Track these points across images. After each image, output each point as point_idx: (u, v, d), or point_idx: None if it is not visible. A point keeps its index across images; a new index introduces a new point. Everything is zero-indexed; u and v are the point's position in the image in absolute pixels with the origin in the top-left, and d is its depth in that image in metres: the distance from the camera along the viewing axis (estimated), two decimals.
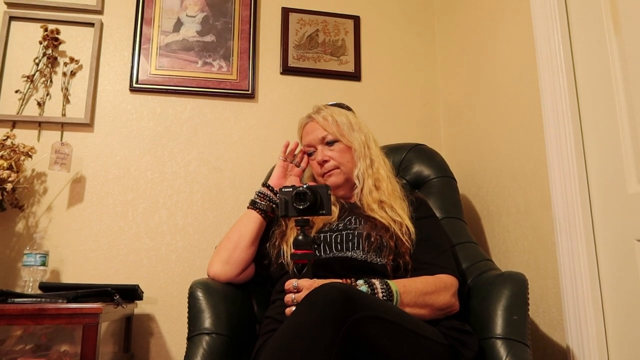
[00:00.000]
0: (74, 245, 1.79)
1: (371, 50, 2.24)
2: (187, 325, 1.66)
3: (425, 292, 1.19)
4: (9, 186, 1.56)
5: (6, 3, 1.95)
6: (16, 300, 1.31)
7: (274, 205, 1.46)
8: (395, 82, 2.23)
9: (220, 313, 1.30)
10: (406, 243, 1.31)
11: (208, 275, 1.40)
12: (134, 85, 1.97)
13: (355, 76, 2.20)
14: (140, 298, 1.62)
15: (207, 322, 1.26)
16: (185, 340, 1.72)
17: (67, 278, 1.75)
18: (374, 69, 2.22)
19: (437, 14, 2.32)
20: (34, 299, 1.32)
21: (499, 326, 1.18)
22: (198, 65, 2.06)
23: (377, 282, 1.15)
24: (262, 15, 2.18)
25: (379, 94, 2.20)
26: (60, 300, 1.31)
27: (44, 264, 1.60)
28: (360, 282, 1.15)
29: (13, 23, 1.95)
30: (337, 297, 0.92)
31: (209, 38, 2.10)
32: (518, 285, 1.25)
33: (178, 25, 2.09)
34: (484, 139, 1.87)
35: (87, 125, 1.90)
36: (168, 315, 1.79)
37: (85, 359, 1.24)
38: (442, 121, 2.22)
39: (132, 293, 1.58)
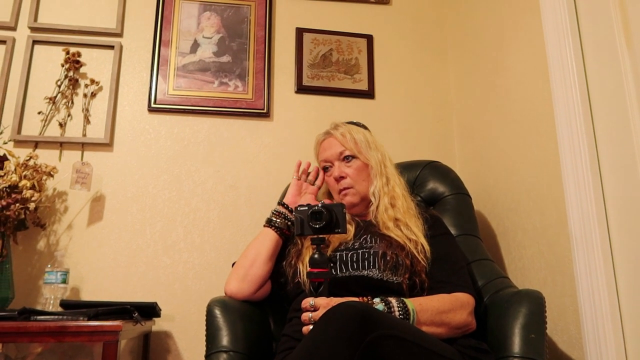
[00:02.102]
0: (93, 263, 1.82)
1: (384, 68, 2.27)
2: (204, 343, 1.68)
3: (441, 310, 1.19)
4: (32, 205, 1.60)
5: (30, 27, 2.01)
6: (38, 317, 1.34)
7: (289, 223, 1.48)
8: (409, 99, 2.25)
9: (238, 331, 1.31)
10: (422, 261, 1.31)
11: (225, 293, 1.42)
12: (152, 105, 2.02)
13: (368, 94, 2.22)
14: (158, 315, 1.64)
15: (225, 340, 1.28)
16: (201, 358, 1.74)
17: (87, 295, 1.78)
18: (388, 86, 2.24)
19: (449, 32, 2.34)
20: (56, 317, 1.34)
21: (516, 345, 1.18)
22: (214, 85, 2.10)
23: (393, 301, 1.15)
24: (276, 35, 2.22)
25: (392, 111, 2.22)
26: (81, 318, 1.34)
27: (64, 281, 1.63)
28: (376, 300, 1.15)
29: (36, 47, 2.01)
30: (354, 315, 0.93)
31: (225, 58, 2.15)
32: (535, 303, 1.24)
33: (195, 46, 2.14)
34: (498, 155, 1.87)
35: (106, 145, 1.95)
36: (185, 333, 1.81)
37: None
38: (456, 138, 2.22)
39: (150, 310, 1.60)
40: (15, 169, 1.64)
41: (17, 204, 1.57)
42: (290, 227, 1.48)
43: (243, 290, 1.40)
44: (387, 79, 2.26)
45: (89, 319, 1.34)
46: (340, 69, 2.23)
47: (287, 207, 1.51)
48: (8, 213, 1.56)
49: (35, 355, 1.76)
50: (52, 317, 1.34)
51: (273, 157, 2.06)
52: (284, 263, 1.44)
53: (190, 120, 2.04)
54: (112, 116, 1.97)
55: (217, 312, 1.32)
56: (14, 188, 1.60)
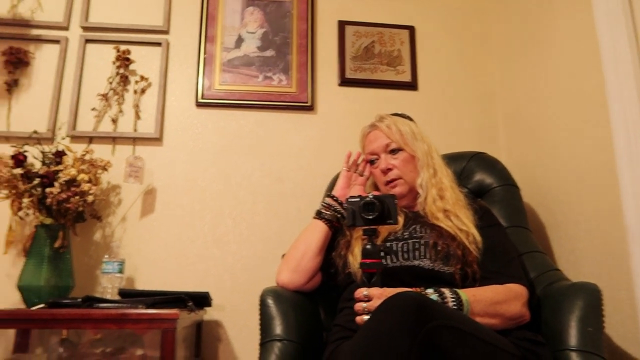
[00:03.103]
0: (146, 254, 1.88)
1: (427, 59, 2.25)
2: (253, 332, 1.72)
3: (495, 301, 1.18)
4: (90, 198, 1.67)
5: (82, 27, 2.09)
6: (101, 305, 1.40)
7: (338, 215, 1.49)
8: (452, 90, 2.23)
9: (290, 320, 1.34)
10: (473, 252, 1.31)
11: (277, 284, 1.45)
12: (199, 100, 2.06)
13: (411, 85, 2.21)
14: (210, 305, 1.69)
15: (279, 329, 1.31)
16: (251, 346, 1.79)
17: (141, 285, 1.85)
18: (430, 77, 2.22)
19: (492, 21, 2.30)
20: (117, 305, 1.40)
21: (573, 338, 1.16)
22: (259, 80, 2.13)
23: (446, 291, 1.16)
24: (318, 28, 2.23)
25: (435, 102, 2.20)
26: (140, 307, 1.39)
27: (120, 271, 1.69)
28: (429, 290, 1.16)
29: (88, 45, 2.08)
30: (411, 305, 0.94)
31: (269, 53, 2.17)
32: (592, 296, 1.22)
33: (239, 41, 2.17)
34: (547, 145, 1.83)
35: (156, 140, 2.00)
36: (235, 322, 1.85)
37: None
38: (501, 128, 2.19)
39: (202, 300, 1.65)
40: (73, 164, 1.71)
41: (76, 197, 1.64)
42: (339, 219, 1.49)
43: (294, 281, 1.43)
44: (430, 70, 2.24)
45: (147, 307, 1.39)
46: (382, 61, 2.23)
47: (336, 200, 1.52)
48: (68, 205, 1.63)
49: (92, 341, 1.84)
50: (114, 305, 1.40)
51: (317, 150, 2.08)
52: (334, 254, 1.46)
53: (236, 115, 2.08)
54: (161, 111, 2.03)
55: (270, 301, 1.35)
56: (72, 182, 1.67)
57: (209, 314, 1.83)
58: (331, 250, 1.47)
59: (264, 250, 1.94)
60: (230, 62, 2.13)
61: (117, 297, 1.61)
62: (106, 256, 1.71)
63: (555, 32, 1.79)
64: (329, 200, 1.53)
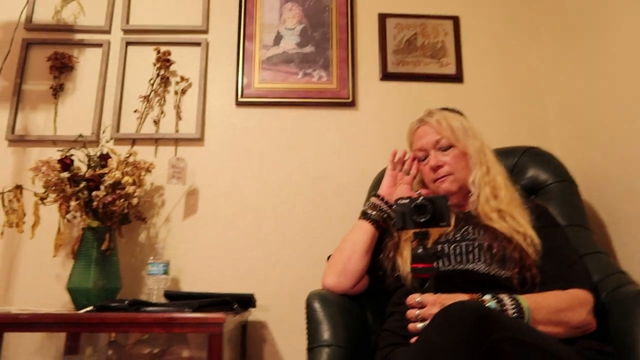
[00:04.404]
0: (190, 255, 1.88)
1: (472, 50, 2.15)
2: (297, 333, 1.70)
3: (558, 308, 1.11)
4: (134, 200, 1.67)
5: (123, 30, 2.10)
6: (148, 309, 1.40)
7: (385, 216, 1.44)
8: (499, 82, 2.13)
9: (338, 325, 1.30)
10: (532, 255, 1.23)
11: (323, 287, 1.41)
12: (239, 99, 2.05)
13: (456, 78, 2.12)
14: (254, 306, 1.67)
15: (326, 334, 1.27)
16: (296, 347, 1.77)
17: (186, 286, 1.85)
18: (476, 69, 2.13)
19: (543, 11, 2.18)
20: (163, 309, 1.40)
21: None
22: (299, 77, 2.09)
23: (505, 298, 1.09)
24: (358, 22, 2.17)
25: (482, 95, 2.11)
26: (186, 310, 1.38)
27: (166, 272, 1.69)
28: (487, 297, 1.09)
29: (129, 48, 2.09)
30: (472, 316, 0.88)
31: (308, 49, 2.13)
32: None
33: (278, 38, 2.14)
34: (605, 139, 1.72)
35: (198, 140, 2.00)
36: (280, 323, 1.83)
37: None
38: (553, 121, 2.08)
39: (247, 301, 1.63)
40: (117, 166, 1.72)
41: (122, 200, 1.65)
42: (386, 219, 1.44)
43: (341, 284, 1.39)
44: (476, 62, 2.14)
45: (194, 311, 1.38)
46: (426, 54, 2.15)
47: (382, 199, 1.47)
48: (114, 208, 1.64)
49: (139, 341, 1.85)
50: (160, 308, 1.40)
51: (359, 147, 2.03)
52: (381, 256, 1.41)
53: (276, 113, 2.05)
54: (202, 111, 2.02)
55: (317, 305, 1.32)
56: (117, 184, 1.67)
57: (253, 315, 1.81)
58: (378, 252, 1.42)
59: (306, 250, 1.91)
60: (269, 60, 2.10)
61: (162, 299, 1.61)
62: (151, 258, 1.72)
63: (618, 27, 1.67)
64: (374, 200, 1.48)
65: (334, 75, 2.10)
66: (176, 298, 1.53)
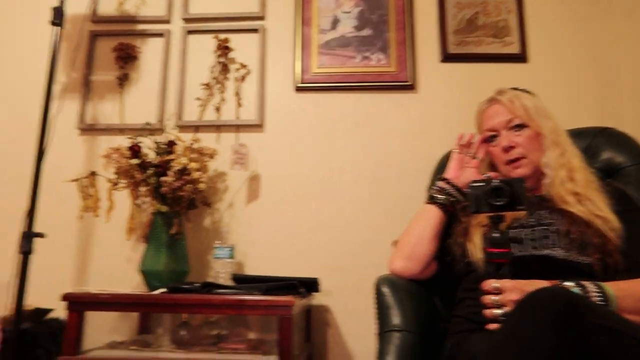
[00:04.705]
0: (253, 239, 1.92)
1: (538, 28, 2.06)
2: (361, 317, 1.72)
3: None
4: (201, 186, 1.71)
5: (183, 19, 2.14)
6: (219, 291, 1.43)
7: (453, 199, 1.41)
8: (568, 60, 2.03)
9: (407, 310, 1.29)
10: (613, 240, 1.18)
11: (390, 272, 1.40)
12: (298, 85, 2.05)
13: (520, 57, 2.04)
14: (318, 290, 1.68)
15: (397, 319, 1.26)
16: (359, 331, 1.78)
17: (250, 269, 1.89)
18: (542, 48, 2.04)
19: None
20: (234, 291, 1.43)
21: None
22: (357, 60, 2.07)
23: (589, 284, 1.05)
24: (416, 3, 2.12)
25: (548, 74, 2.02)
26: (256, 293, 1.41)
27: (231, 256, 1.73)
28: (569, 283, 1.05)
29: (190, 36, 2.13)
30: (560, 302, 0.85)
31: (366, 32, 2.10)
32: None
33: (335, 22, 2.12)
34: None
35: (258, 126, 2.02)
36: (343, 307, 1.84)
37: (282, 347, 1.32)
38: (628, 102, 1.97)
39: (311, 285, 1.65)
40: (183, 152, 1.76)
41: (189, 185, 1.69)
42: (454, 203, 1.41)
43: (409, 268, 1.37)
44: (542, 40, 2.05)
45: (263, 294, 1.41)
46: (487, 33, 2.08)
47: (449, 183, 1.44)
48: (182, 193, 1.69)
49: (201, 323, 1.90)
50: (231, 291, 1.43)
51: (420, 131, 1.99)
52: (450, 241, 1.38)
53: (335, 97, 2.04)
54: (261, 98, 2.04)
55: (386, 290, 1.31)
56: (184, 170, 1.72)
57: (317, 299, 1.83)
58: (446, 236, 1.40)
59: (369, 235, 1.90)
60: (327, 44, 2.09)
61: (229, 282, 1.65)
62: (217, 242, 1.76)
63: None
64: (441, 183, 1.45)
65: (393, 58, 2.06)
66: (244, 281, 1.56)
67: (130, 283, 1.89)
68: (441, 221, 1.40)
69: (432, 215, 1.40)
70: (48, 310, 1.66)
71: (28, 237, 1.50)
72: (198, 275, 1.86)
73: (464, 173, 1.46)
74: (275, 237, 1.92)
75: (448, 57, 2.06)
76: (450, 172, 1.47)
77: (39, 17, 2.15)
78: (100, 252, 1.93)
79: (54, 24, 1.70)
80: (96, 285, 1.90)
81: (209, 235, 1.92)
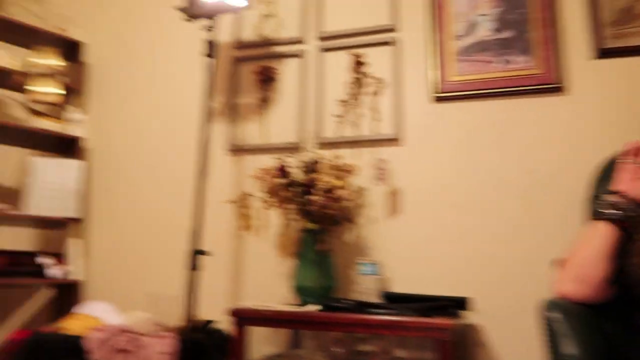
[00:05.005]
0: (396, 255, 1.91)
1: None
2: (514, 338, 1.61)
3: None
4: (347, 204, 1.75)
5: (317, 38, 2.20)
6: (374, 311, 1.44)
7: (628, 215, 1.27)
8: None
9: (583, 338, 1.19)
10: None
11: (558, 294, 1.30)
12: (435, 95, 2.00)
13: None
14: (468, 309, 1.63)
15: (572, 349, 1.17)
16: (513, 352, 1.67)
17: (394, 285, 1.88)
18: None
19: None
20: (389, 311, 1.43)
21: None
22: (497, 65, 1.97)
23: None
24: None
25: None
26: (411, 313, 1.39)
27: (376, 272, 1.74)
28: None
29: (324, 54, 2.18)
30: None
31: (505, 34, 1.99)
32: None
33: (471, 27, 2.04)
34: None
35: (395, 140, 2.01)
36: (496, 326, 1.76)
37: None
38: None
39: (462, 304, 1.60)
40: (326, 171, 1.81)
41: (335, 203, 1.73)
42: (629, 219, 1.27)
43: (581, 292, 1.26)
44: None
45: (418, 315, 1.39)
46: None
47: (623, 196, 1.30)
48: (328, 211, 1.73)
49: (351, 341, 1.93)
50: (387, 311, 1.43)
51: (572, 137, 1.84)
52: (629, 262, 1.25)
53: (475, 106, 1.96)
54: (398, 111, 2.02)
55: (558, 316, 1.22)
56: (329, 188, 1.76)
57: (467, 317, 1.77)
58: (622, 256, 1.26)
59: (521, 252, 1.79)
60: (464, 50, 2.02)
61: (377, 299, 1.66)
62: (361, 258, 1.78)
63: None
64: (613, 197, 1.31)
65: (537, 59, 1.93)
66: (394, 299, 1.56)
67: (280, 296, 1.98)
68: (616, 239, 1.27)
69: (605, 233, 1.27)
70: (213, 322, 1.79)
71: (195, 254, 1.63)
72: (343, 290, 1.89)
73: (638, 185, 1.31)
74: (418, 252, 1.89)
75: (603, 53, 1.87)
76: (621, 185, 1.33)
77: (188, 49, 2.35)
78: (252, 267, 2.05)
79: (207, 55, 1.84)
80: (249, 298, 2.02)
81: (351, 251, 1.95)
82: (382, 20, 2.14)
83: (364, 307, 1.46)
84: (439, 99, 2.00)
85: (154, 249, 2.24)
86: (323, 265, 1.76)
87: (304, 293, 1.74)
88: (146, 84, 2.44)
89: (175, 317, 1.82)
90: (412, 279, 1.87)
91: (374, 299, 1.69)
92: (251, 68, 2.26)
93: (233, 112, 2.25)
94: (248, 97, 2.25)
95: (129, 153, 2.39)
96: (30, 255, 2.12)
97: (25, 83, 2.21)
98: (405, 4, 2.12)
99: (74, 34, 2.50)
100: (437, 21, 2.07)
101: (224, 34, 2.29)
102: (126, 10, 2.55)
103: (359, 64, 2.10)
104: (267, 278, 2.02)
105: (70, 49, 2.49)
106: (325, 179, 1.72)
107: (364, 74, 2.11)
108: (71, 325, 1.73)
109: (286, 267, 1.98)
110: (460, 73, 2.00)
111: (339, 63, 2.14)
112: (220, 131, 2.22)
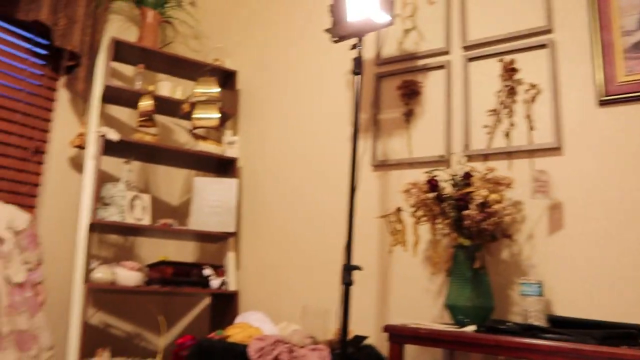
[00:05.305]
0: (559, 274, 1.74)
1: None
2: None
3: None
4: (507, 219, 1.64)
5: (462, 47, 2.12)
6: (546, 336, 1.32)
7: None
8: None
9: None
10: None
11: None
12: (600, 98, 1.80)
13: None
14: None
15: None
16: None
17: (557, 309, 1.71)
18: None
19: None
20: (564, 337, 1.30)
21: None
22: None
23: None
24: None
25: None
26: (591, 341, 1.24)
27: (540, 294, 1.59)
28: None
29: (470, 64, 2.10)
30: None
31: None
32: None
33: None
34: None
35: (555, 149, 1.85)
36: None
37: None
38: None
39: None
40: (479, 184, 1.72)
41: (493, 218, 1.63)
42: None
43: None
44: None
45: (598, 343, 1.23)
46: None
47: None
48: (485, 226, 1.64)
49: None
50: (559, 336, 1.30)
51: None
52: None
53: None
54: (556, 118, 1.86)
55: None
56: (484, 203, 1.67)
57: None
58: None
59: None
60: (634, 47, 1.80)
61: (542, 323, 1.52)
62: (523, 277, 1.65)
63: None
64: None
65: None
66: (563, 324, 1.41)
67: (429, 314, 1.91)
68: None
69: None
70: (364, 338, 1.79)
71: (348, 270, 1.64)
72: (501, 311, 1.77)
73: None
74: (582, 272, 1.70)
75: None
76: None
77: (331, 68, 2.42)
78: (400, 283, 2.02)
79: (354, 73, 1.87)
80: (397, 315, 1.99)
81: (509, 269, 1.82)
82: (535, 23, 2.00)
83: (533, 330, 1.34)
84: (604, 103, 1.80)
85: (302, 263, 2.32)
86: (479, 284, 1.67)
87: (458, 312, 1.66)
88: (291, 104, 2.56)
89: (326, 331, 1.85)
90: (577, 302, 1.68)
91: (539, 322, 1.55)
92: (394, 83, 2.26)
93: (376, 128, 2.26)
94: (391, 112, 2.25)
95: (277, 170, 2.52)
96: (196, 266, 2.32)
97: (190, 111, 2.45)
98: (561, 3, 1.96)
99: (228, 64, 2.73)
100: (600, 17, 1.87)
101: (366, 51, 2.33)
102: (272, 37, 2.72)
103: (510, 70, 1.98)
104: (415, 295, 1.97)
105: (225, 78, 2.72)
106: (482, 193, 1.63)
107: (517, 81, 1.98)
108: (233, 333, 1.85)
109: (436, 285, 1.91)
110: (629, 72, 1.79)
111: (487, 71, 2.05)
112: (364, 147, 2.25)
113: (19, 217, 1.97)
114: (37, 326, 1.88)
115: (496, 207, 1.65)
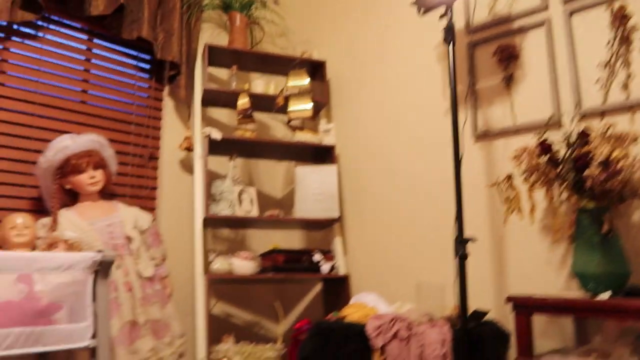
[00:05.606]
0: None
1: None
2: None
3: None
4: (636, 176, 1.50)
5: (563, 1, 1.97)
6: None
7: None
8: None
9: None
10: None
11: None
12: None
13: None
14: None
15: None
16: None
17: None
18: None
19: None
20: None
21: None
22: None
23: None
24: None
25: None
26: None
27: None
28: None
29: (573, 17, 1.95)
30: None
31: None
32: None
33: None
34: None
35: None
36: None
37: None
38: None
39: None
40: (600, 142, 1.59)
41: (617, 176, 1.51)
42: None
43: None
44: None
45: None
46: None
47: None
48: (610, 187, 1.52)
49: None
50: None
51: None
52: None
53: None
54: None
55: None
56: (606, 161, 1.54)
57: None
58: None
59: None
60: None
61: None
62: None
63: None
64: None
65: None
66: None
67: (551, 284, 1.81)
68: None
69: None
70: (485, 313, 1.73)
71: (461, 243, 1.60)
72: (637, 277, 1.63)
73: None
74: None
75: None
76: None
77: (417, 45, 2.38)
78: (516, 253, 1.94)
79: (446, 41, 1.82)
80: (515, 287, 1.91)
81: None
82: None
83: None
84: None
85: (410, 241, 2.29)
86: (610, 249, 1.55)
87: (588, 280, 1.55)
88: (383, 86, 2.54)
89: (443, 308, 1.82)
90: None
91: None
92: (489, 50, 2.15)
93: (474, 98, 2.17)
94: (489, 81, 2.15)
95: (375, 153, 2.51)
96: (305, 253, 2.39)
97: (285, 104, 2.52)
98: None
99: (315, 55, 2.76)
100: None
101: (456, 20, 2.24)
102: (357, 22, 2.72)
103: (621, 18, 1.81)
104: (535, 266, 1.87)
105: (314, 69, 2.75)
106: (604, 150, 1.51)
107: (629, 29, 1.81)
108: (349, 313, 1.87)
109: (557, 254, 1.80)
110: None
111: (593, 23, 1.88)
112: (464, 119, 2.17)
113: (143, 217, 2.14)
114: (168, 316, 2.04)
115: (621, 164, 1.51)
